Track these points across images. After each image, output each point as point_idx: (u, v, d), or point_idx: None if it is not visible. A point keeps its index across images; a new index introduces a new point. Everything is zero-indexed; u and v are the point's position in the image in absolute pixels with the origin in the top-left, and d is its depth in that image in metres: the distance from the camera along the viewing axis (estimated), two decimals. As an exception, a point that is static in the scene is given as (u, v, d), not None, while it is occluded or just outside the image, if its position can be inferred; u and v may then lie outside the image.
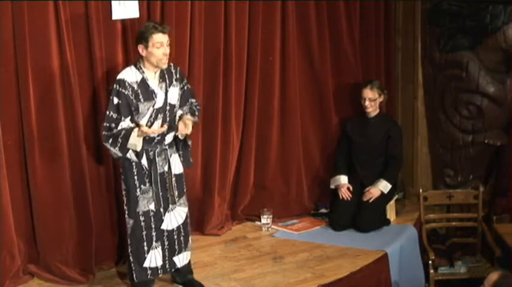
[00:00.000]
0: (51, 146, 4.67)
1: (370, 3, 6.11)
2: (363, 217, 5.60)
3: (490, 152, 5.93)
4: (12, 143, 4.61)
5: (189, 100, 4.64)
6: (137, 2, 4.88)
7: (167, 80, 4.48)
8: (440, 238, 5.93)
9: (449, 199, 5.75)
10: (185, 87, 4.62)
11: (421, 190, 5.71)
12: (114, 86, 4.38)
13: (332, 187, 5.85)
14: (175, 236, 4.60)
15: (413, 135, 6.22)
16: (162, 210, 4.53)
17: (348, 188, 5.73)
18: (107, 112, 4.37)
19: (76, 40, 4.69)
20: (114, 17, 4.82)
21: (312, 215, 5.96)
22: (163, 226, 4.55)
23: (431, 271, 5.32)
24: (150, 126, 4.40)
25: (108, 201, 4.98)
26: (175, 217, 4.59)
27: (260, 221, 5.70)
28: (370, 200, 5.65)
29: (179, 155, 4.62)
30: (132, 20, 4.90)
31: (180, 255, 4.65)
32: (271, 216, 5.68)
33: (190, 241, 4.73)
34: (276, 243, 5.46)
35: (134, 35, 4.89)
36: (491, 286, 3.53)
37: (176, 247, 4.62)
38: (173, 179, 4.54)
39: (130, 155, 4.37)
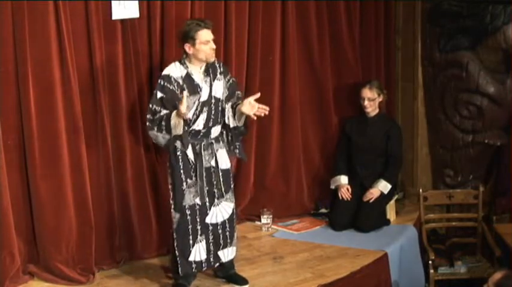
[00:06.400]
0: (51, 146, 4.67)
1: (370, 3, 6.11)
2: (363, 217, 5.60)
3: (490, 152, 5.93)
4: (12, 143, 4.60)
5: (236, 92, 4.71)
6: (137, 2, 4.88)
7: (211, 74, 4.59)
8: (440, 238, 5.93)
9: (449, 199, 5.74)
10: (230, 80, 4.70)
11: (421, 190, 5.70)
12: (159, 81, 4.51)
13: (332, 187, 5.85)
14: (220, 231, 4.66)
15: (413, 135, 6.22)
16: (207, 204, 4.60)
17: (348, 189, 5.74)
18: (150, 105, 4.50)
19: (76, 40, 4.69)
20: (114, 17, 4.82)
21: (312, 215, 5.96)
22: (208, 219, 4.61)
23: (431, 271, 5.32)
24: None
25: (108, 201, 4.97)
26: (220, 212, 4.65)
27: (260, 221, 5.70)
28: (370, 201, 5.65)
29: (233, 147, 4.69)
30: (132, 20, 4.90)
31: (225, 250, 4.71)
32: (271, 216, 5.68)
33: (235, 237, 4.78)
34: (276, 243, 5.46)
35: (134, 34, 4.91)
36: (494, 284, 3.54)
37: (221, 242, 4.67)
38: (220, 173, 4.61)
39: (177, 143, 4.47)
